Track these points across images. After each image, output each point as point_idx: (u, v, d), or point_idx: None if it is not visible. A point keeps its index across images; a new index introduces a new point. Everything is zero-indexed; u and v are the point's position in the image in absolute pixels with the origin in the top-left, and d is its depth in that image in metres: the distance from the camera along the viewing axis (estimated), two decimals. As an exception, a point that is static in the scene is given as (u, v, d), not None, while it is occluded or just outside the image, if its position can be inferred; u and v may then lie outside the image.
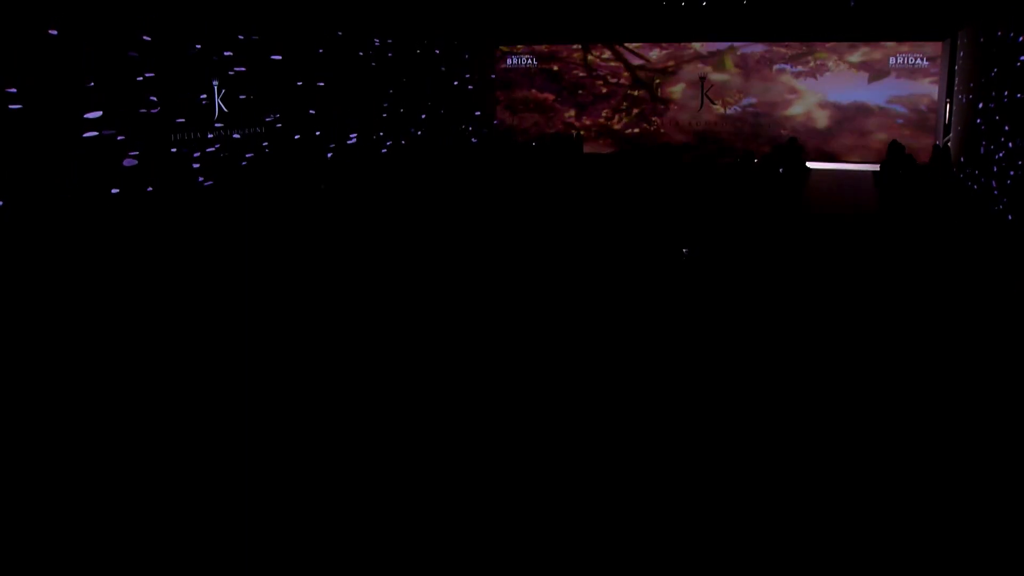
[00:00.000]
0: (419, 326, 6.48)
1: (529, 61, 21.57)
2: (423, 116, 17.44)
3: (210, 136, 10.61)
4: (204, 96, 10.55)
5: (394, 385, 5.22)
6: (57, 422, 4.51)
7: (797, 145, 15.71)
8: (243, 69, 11.29)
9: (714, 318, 6.58)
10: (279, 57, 12.07)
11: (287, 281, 7.69)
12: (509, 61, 21.61)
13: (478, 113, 20.38)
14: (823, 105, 19.22)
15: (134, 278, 7.75)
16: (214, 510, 3.59)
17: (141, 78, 9.60)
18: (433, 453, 4.22)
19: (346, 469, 4.03)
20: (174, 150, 10.10)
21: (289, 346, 5.91)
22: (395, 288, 7.58)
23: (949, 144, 16.96)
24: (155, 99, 9.81)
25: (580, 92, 21.23)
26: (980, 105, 13.18)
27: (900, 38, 18.46)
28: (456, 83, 19.24)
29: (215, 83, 10.62)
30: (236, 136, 11.36)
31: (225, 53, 10.89)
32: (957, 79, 16.57)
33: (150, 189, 9.82)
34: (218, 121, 10.75)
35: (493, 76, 21.49)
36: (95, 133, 9.01)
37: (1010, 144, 10.77)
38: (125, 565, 3.20)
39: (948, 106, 17.63)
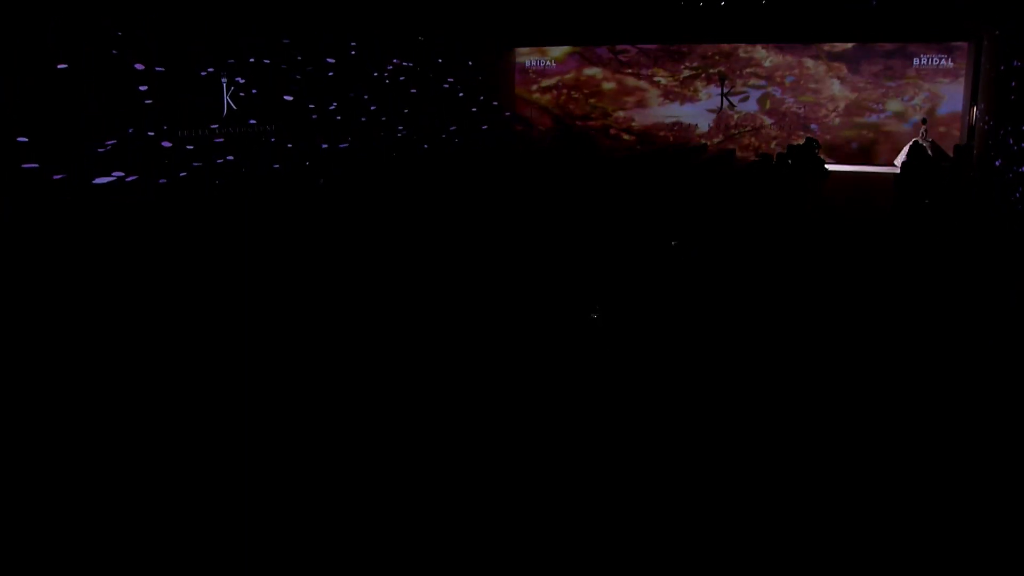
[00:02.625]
0: (416, 320, 6.49)
1: (547, 63, 21.56)
2: (445, 125, 17.59)
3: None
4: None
5: (394, 378, 5.22)
6: (57, 422, 4.55)
7: (814, 145, 15.47)
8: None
9: (705, 314, 6.51)
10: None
11: (294, 281, 7.74)
12: (528, 63, 21.64)
13: (485, 128, 20.47)
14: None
15: (135, 278, 7.83)
16: (214, 510, 3.59)
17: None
18: (434, 451, 4.20)
19: (348, 469, 4.02)
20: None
21: (297, 346, 5.92)
22: (396, 281, 7.60)
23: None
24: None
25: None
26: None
27: (923, 39, 18.17)
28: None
29: (223, 80, 10.77)
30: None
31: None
32: (981, 85, 16.30)
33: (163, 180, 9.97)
34: (227, 118, 10.91)
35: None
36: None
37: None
38: (125, 565, 3.22)
39: (974, 110, 17.30)
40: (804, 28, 17.87)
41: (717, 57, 20.28)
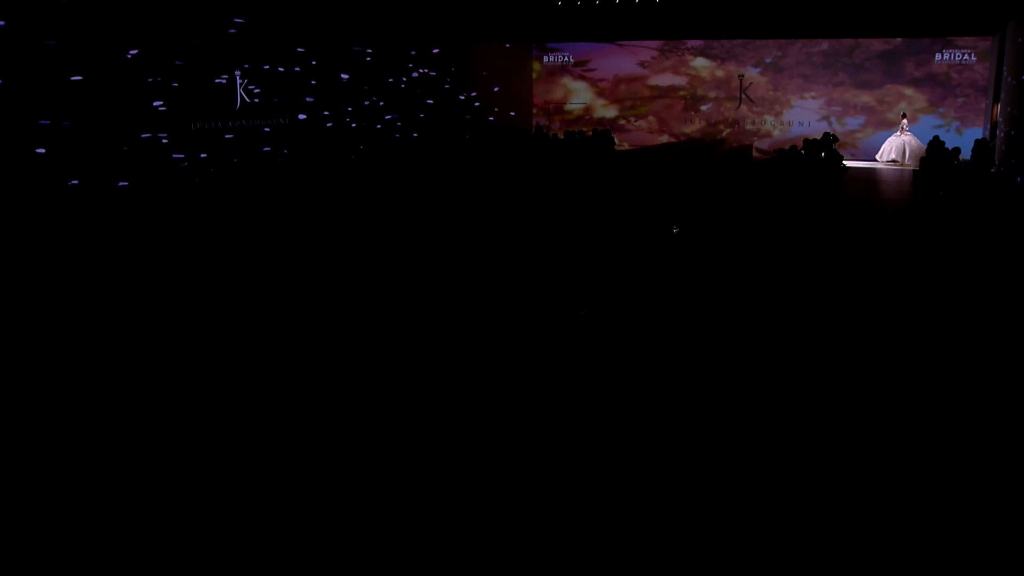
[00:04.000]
0: (412, 315, 6.50)
1: (566, 58, 21.50)
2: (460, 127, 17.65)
3: (229, 136, 10.78)
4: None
5: (389, 374, 5.22)
6: (57, 422, 4.57)
7: (832, 140, 15.32)
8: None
9: (705, 308, 6.47)
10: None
11: (292, 278, 7.77)
12: (546, 59, 21.59)
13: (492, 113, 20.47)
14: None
15: (134, 272, 7.87)
16: (214, 510, 3.62)
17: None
18: (429, 447, 4.20)
19: (345, 466, 4.02)
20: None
21: (293, 342, 5.94)
22: (393, 276, 7.61)
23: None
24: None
25: None
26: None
27: (944, 33, 17.91)
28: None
29: (237, 74, 10.86)
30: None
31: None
32: (1004, 81, 16.01)
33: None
34: (240, 111, 10.99)
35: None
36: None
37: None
38: (125, 565, 3.24)
39: (996, 107, 17.01)
40: (813, 26, 17.70)
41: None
